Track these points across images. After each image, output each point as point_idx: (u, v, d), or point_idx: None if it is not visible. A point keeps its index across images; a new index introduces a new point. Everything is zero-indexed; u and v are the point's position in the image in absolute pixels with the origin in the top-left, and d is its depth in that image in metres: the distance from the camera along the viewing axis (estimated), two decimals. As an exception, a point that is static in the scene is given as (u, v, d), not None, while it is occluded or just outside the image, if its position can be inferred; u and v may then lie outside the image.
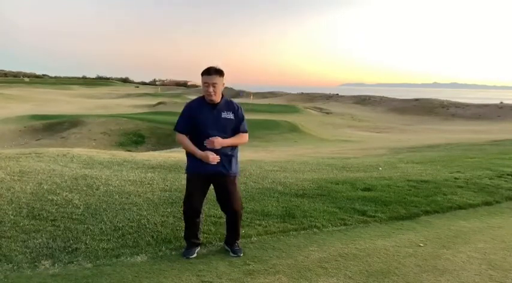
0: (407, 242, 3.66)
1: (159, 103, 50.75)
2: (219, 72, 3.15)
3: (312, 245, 3.52)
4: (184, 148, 3.27)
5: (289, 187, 5.38)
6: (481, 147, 11.90)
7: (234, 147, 3.28)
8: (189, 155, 3.26)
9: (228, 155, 3.22)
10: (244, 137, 3.31)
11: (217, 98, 3.18)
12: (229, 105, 3.25)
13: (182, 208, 3.35)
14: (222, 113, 3.19)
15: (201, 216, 3.37)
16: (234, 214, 3.33)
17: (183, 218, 3.40)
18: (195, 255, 3.24)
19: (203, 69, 3.16)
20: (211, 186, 3.33)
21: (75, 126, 25.38)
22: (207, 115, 3.17)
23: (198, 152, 3.14)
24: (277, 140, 21.89)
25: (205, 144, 3.13)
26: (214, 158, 3.12)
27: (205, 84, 3.12)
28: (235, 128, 3.25)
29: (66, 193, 4.64)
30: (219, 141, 3.12)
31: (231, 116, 3.21)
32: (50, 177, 5.35)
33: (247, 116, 3.37)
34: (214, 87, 3.11)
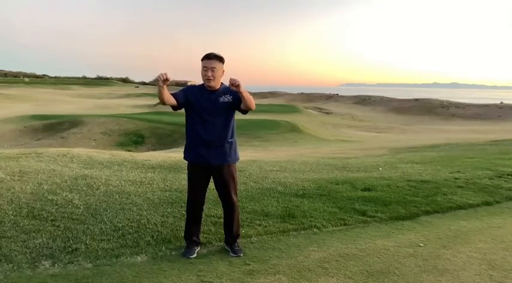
0: (407, 242, 3.66)
1: (159, 103, 50.63)
2: (219, 58, 3.13)
3: (312, 245, 3.52)
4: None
5: (289, 187, 5.37)
6: (481, 147, 11.88)
7: (232, 135, 3.27)
8: (188, 145, 3.29)
9: (228, 142, 3.22)
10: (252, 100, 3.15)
11: (215, 84, 3.16)
12: (226, 90, 3.20)
13: (186, 204, 3.38)
14: (220, 98, 3.17)
15: (202, 212, 3.40)
16: (231, 204, 3.33)
17: (185, 213, 3.41)
18: (195, 255, 3.24)
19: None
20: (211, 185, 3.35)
21: (75, 126, 25.38)
22: (204, 98, 3.16)
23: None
24: (277, 139, 21.86)
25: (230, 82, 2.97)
26: (161, 74, 2.90)
27: (204, 68, 3.11)
28: (235, 105, 3.15)
29: (66, 193, 4.64)
30: (240, 84, 2.94)
31: (229, 98, 3.18)
32: (50, 177, 5.35)
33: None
34: (212, 71, 3.09)
